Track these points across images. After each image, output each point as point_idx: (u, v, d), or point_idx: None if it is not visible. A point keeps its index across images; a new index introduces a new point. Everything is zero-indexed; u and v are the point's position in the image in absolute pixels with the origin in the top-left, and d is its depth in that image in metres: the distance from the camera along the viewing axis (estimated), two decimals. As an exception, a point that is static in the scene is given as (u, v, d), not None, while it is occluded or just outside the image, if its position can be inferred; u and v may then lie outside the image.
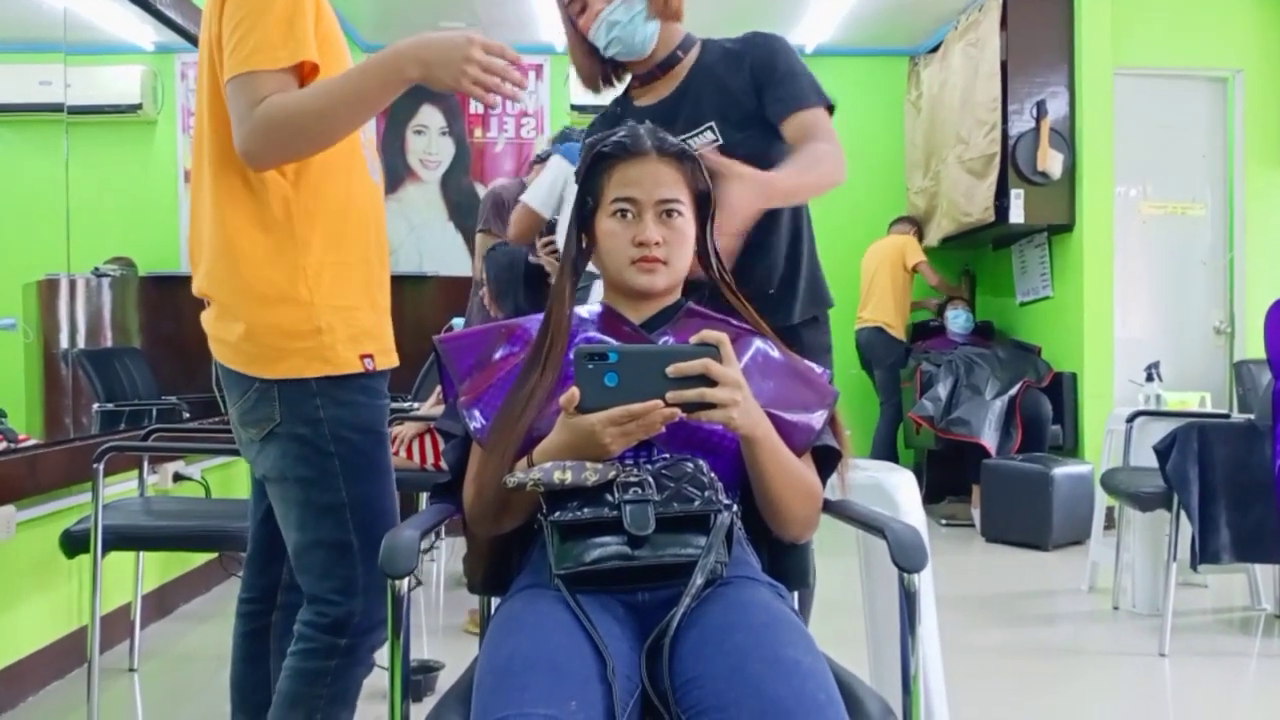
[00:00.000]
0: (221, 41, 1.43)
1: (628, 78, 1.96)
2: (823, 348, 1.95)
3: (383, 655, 1.35)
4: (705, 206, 1.42)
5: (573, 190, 3.43)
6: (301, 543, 1.53)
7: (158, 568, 3.39)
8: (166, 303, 4.03)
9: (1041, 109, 5.02)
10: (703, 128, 1.84)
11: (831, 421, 1.39)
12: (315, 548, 1.52)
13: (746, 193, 1.54)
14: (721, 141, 1.83)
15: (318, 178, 1.50)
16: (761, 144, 1.81)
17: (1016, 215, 5.04)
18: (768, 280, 1.88)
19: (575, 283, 1.43)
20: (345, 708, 1.57)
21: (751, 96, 1.83)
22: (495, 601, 1.42)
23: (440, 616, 3.51)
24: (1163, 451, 3.09)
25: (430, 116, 6.00)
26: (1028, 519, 4.60)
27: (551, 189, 3.32)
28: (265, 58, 1.39)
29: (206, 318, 1.55)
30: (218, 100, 1.45)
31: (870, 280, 5.58)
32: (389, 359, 1.58)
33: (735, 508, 1.32)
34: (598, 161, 1.39)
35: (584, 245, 1.44)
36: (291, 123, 1.38)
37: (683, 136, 1.82)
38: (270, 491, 1.57)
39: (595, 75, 1.92)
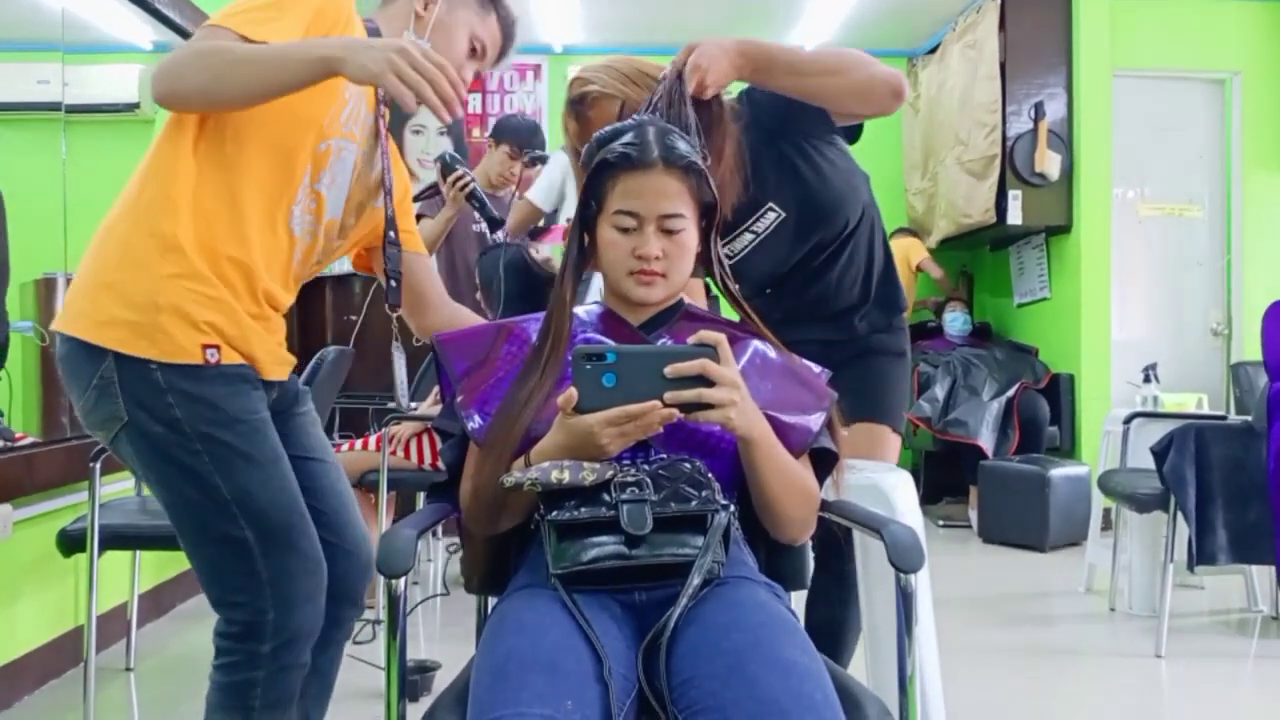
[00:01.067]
0: None
1: None
2: (893, 351, 1.96)
3: (379, 655, 1.34)
4: (710, 216, 1.41)
5: (573, 186, 3.46)
6: (192, 545, 1.46)
7: (154, 567, 3.38)
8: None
9: (1039, 110, 5.02)
10: (762, 210, 1.80)
11: (829, 423, 1.39)
12: (206, 547, 1.45)
13: (710, 48, 1.51)
14: (784, 213, 1.79)
15: (227, 184, 1.44)
16: (812, 174, 1.79)
17: (1014, 216, 5.04)
18: (834, 299, 1.89)
19: (576, 286, 1.42)
20: (282, 712, 1.50)
21: (785, 151, 1.76)
22: (492, 601, 1.42)
23: (437, 617, 3.51)
24: (1160, 453, 3.10)
25: (429, 116, 5.98)
26: (1025, 520, 4.60)
27: (551, 185, 3.36)
28: (240, 23, 1.37)
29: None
30: None
31: None
32: (239, 356, 1.46)
33: (732, 508, 1.32)
34: (602, 169, 1.36)
35: (585, 247, 1.44)
36: (206, 55, 1.33)
37: (747, 226, 1.80)
38: (152, 493, 1.49)
39: None
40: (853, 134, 1.87)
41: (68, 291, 1.45)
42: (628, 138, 1.35)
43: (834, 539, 1.64)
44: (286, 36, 1.38)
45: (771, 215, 1.80)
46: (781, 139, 1.77)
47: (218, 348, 1.42)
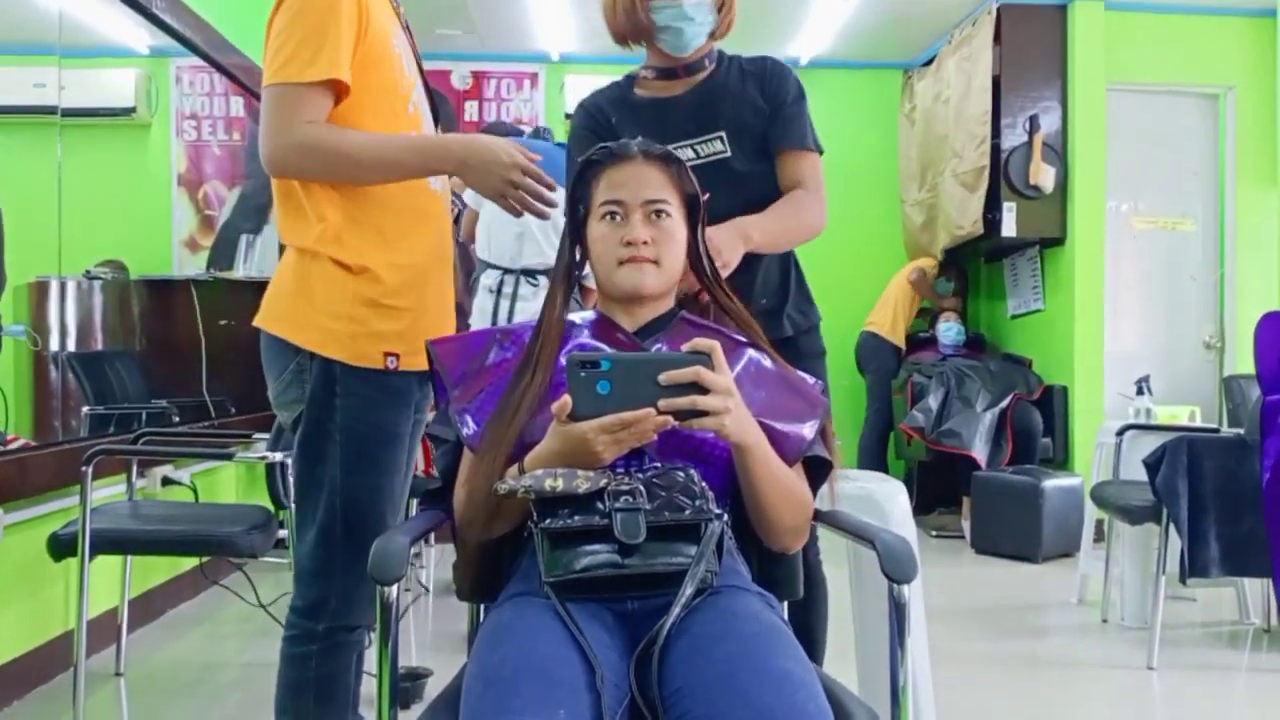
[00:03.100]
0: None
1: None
2: (816, 353, 2.00)
3: (371, 662, 1.35)
4: (695, 210, 1.43)
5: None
6: (301, 521, 1.61)
7: (144, 572, 3.37)
8: (158, 306, 4.01)
9: (1034, 123, 5.04)
10: (713, 135, 1.87)
11: (823, 432, 1.40)
12: (309, 526, 1.59)
13: (726, 236, 1.63)
14: (729, 153, 1.86)
15: (369, 192, 1.57)
16: (769, 183, 1.88)
17: (1008, 228, 5.06)
18: (759, 294, 1.91)
19: (568, 290, 1.43)
20: (338, 686, 1.63)
21: (763, 120, 1.87)
22: (485, 609, 1.41)
23: (429, 624, 3.50)
24: (1152, 465, 3.10)
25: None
26: (1018, 531, 4.60)
27: None
28: (296, 71, 1.47)
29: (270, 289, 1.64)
30: None
31: (885, 290, 5.67)
32: (421, 361, 1.60)
33: (726, 517, 1.32)
34: (586, 169, 1.41)
35: (576, 254, 1.44)
36: (326, 156, 1.49)
37: (693, 141, 1.85)
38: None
39: (625, 34, 1.91)
40: None
41: (268, 292, 1.62)
42: (608, 142, 1.42)
43: None
44: (338, 55, 1.48)
45: (718, 144, 1.87)
46: (762, 112, 1.87)
47: (397, 355, 1.58)
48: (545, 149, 3.28)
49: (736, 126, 1.86)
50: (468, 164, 1.51)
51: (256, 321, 1.61)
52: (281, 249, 1.64)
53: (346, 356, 1.54)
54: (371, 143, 1.52)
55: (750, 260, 1.89)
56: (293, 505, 1.67)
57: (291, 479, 1.65)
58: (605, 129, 1.88)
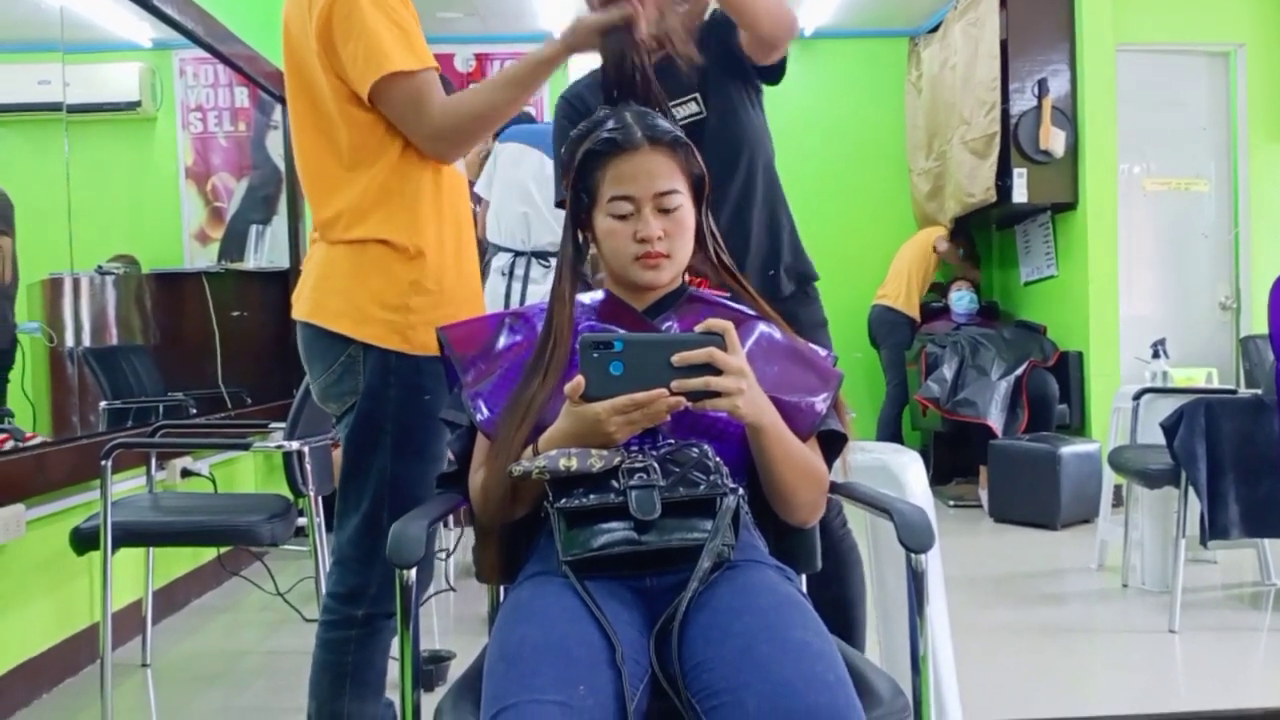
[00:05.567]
0: (336, 50, 1.53)
1: None
2: (817, 323, 2.00)
3: (394, 646, 1.36)
4: (701, 191, 1.42)
5: (503, 163, 3.52)
6: (344, 508, 1.64)
7: (167, 563, 3.40)
8: (170, 299, 4.03)
9: (1043, 87, 4.99)
10: (688, 98, 1.90)
11: (835, 405, 1.39)
12: (353, 514, 1.63)
13: None
14: (704, 113, 1.90)
15: (418, 171, 1.62)
16: (742, 140, 1.91)
17: (1020, 194, 5.02)
18: (751, 256, 1.92)
19: (575, 283, 1.42)
20: (373, 671, 1.66)
21: (728, 59, 1.88)
22: (505, 590, 1.42)
23: (451, 607, 3.52)
24: (1170, 428, 3.09)
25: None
26: (1035, 498, 4.59)
27: (486, 173, 3.42)
28: (401, 60, 1.52)
29: (304, 283, 1.64)
30: (342, 98, 1.57)
31: (895, 262, 5.65)
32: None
33: (741, 491, 1.32)
34: (589, 159, 1.36)
35: (581, 244, 1.43)
36: (471, 131, 1.59)
37: (671, 104, 1.85)
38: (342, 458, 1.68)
39: None
40: (776, 74, 1.94)
41: (313, 286, 1.62)
42: (609, 125, 1.36)
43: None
44: (423, 41, 1.58)
45: (694, 106, 1.89)
46: (727, 69, 1.89)
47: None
48: (538, 130, 3.27)
49: (709, 83, 1.88)
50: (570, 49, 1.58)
51: (305, 316, 1.62)
52: (292, 240, 1.66)
53: (406, 347, 1.58)
54: (492, 95, 1.60)
55: (738, 226, 1.91)
56: (311, 493, 1.67)
57: (309, 467, 1.67)
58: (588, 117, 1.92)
